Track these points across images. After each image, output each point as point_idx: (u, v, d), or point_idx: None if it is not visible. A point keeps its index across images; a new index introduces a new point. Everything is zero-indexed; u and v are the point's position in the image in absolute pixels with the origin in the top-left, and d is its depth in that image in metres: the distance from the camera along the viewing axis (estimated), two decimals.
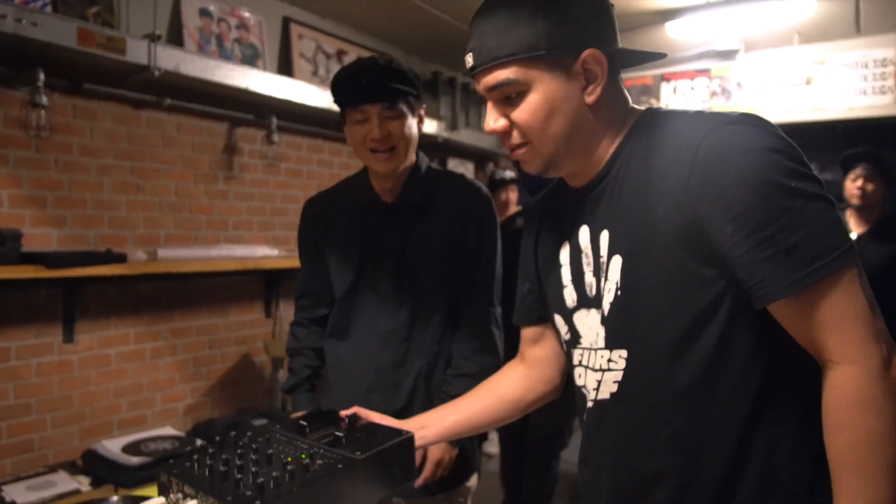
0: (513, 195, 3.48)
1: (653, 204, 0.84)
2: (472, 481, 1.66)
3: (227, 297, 3.15)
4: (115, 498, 1.28)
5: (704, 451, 0.85)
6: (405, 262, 1.56)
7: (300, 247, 1.74)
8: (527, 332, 1.16)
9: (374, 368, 1.56)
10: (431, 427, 1.15)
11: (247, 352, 3.25)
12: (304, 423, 1.09)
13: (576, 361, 0.98)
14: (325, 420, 1.15)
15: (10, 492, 2.05)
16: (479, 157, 5.11)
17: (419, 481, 1.51)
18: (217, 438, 1.05)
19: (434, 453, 1.49)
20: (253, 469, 0.93)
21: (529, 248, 1.12)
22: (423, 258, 1.57)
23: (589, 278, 0.95)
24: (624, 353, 0.89)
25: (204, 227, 3.05)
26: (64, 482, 2.14)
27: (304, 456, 0.98)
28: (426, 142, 4.15)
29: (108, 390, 2.68)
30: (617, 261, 0.89)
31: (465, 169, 4.99)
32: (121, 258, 2.45)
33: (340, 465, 0.95)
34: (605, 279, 0.91)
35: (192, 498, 0.91)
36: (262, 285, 3.30)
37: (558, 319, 1.01)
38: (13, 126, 2.36)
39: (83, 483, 2.17)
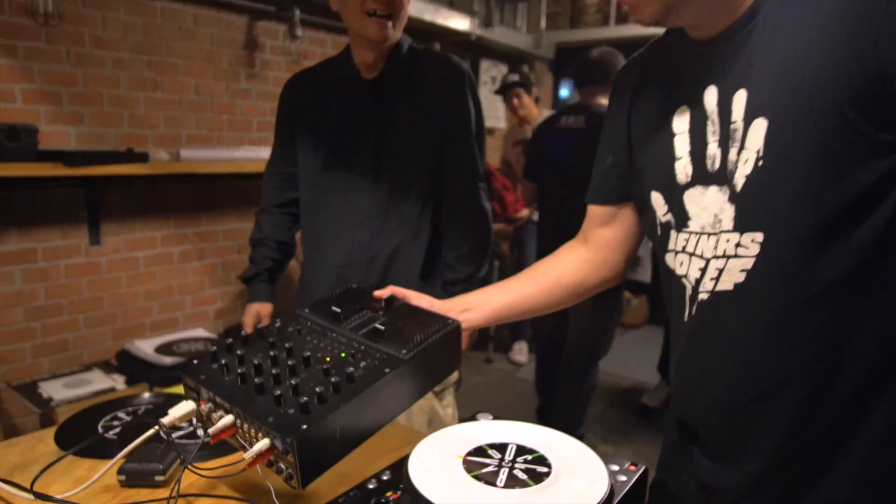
0: (525, 98, 3.56)
1: (816, 53, 0.67)
2: (455, 376, 1.66)
3: (253, 201, 3.05)
4: (146, 395, 1.23)
5: (844, 361, 0.71)
6: (384, 138, 1.52)
7: (276, 127, 1.69)
8: (597, 212, 1.01)
9: (349, 244, 1.54)
10: (477, 310, 1.03)
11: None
12: (338, 310, 0.98)
13: (675, 247, 0.84)
14: (357, 301, 1.03)
15: (47, 388, 2.07)
16: (514, 59, 4.81)
17: None
18: (243, 333, 0.94)
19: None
20: (291, 381, 0.80)
21: (620, 117, 0.94)
22: (402, 134, 1.52)
23: (713, 149, 0.78)
24: (759, 236, 0.74)
25: (226, 128, 2.91)
26: (99, 380, 2.14)
27: (343, 354, 0.88)
28: (457, 40, 3.87)
29: (137, 293, 2.66)
30: (759, 125, 0.72)
31: (498, 71, 4.71)
32: (143, 157, 2.35)
33: (387, 370, 0.84)
34: (741, 148, 0.74)
35: (226, 412, 0.81)
36: None
37: (656, 198, 0.86)
38: (19, 13, 2.21)
39: (118, 381, 2.18)
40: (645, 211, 0.91)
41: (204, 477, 0.86)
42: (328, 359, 0.88)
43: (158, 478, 0.92)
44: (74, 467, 0.98)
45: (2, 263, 2.26)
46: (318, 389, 0.78)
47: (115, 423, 1.12)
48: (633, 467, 0.82)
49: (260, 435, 0.77)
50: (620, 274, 1.04)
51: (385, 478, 0.80)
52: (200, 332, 2.57)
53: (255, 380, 0.81)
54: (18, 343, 2.32)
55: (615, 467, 0.82)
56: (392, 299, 1.02)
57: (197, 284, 2.87)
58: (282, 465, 0.77)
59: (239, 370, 0.84)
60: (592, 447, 0.86)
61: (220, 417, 0.82)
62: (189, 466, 0.79)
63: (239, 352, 0.88)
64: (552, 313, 1.09)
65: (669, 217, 0.85)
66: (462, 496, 0.73)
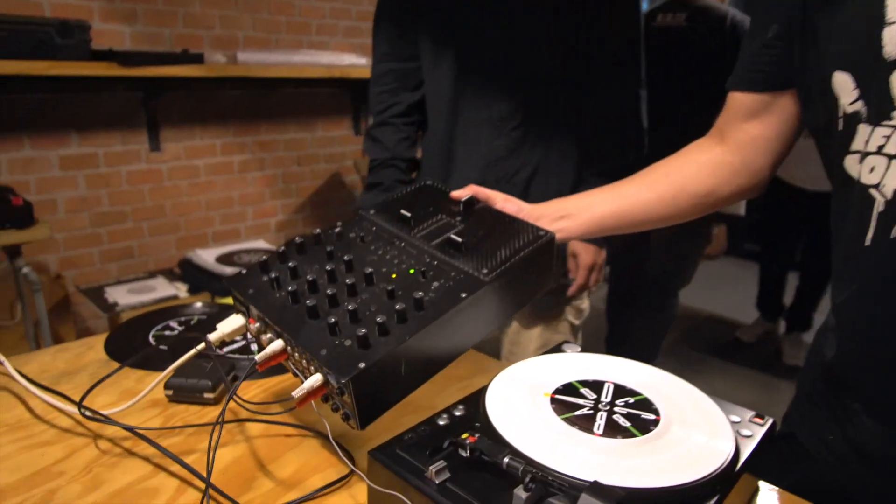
0: None
1: None
2: (586, 304, 1.46)
3: (313, 110, 2.92)
4: (199, 304, 1.16)
5: None
6: (520, 30, 1.24)
7: (380, 12, 1.40)
8: (743, 101, 0.80)
9: (483, 159, 1.30)
10: (576, 217, 0.85)
11: (336, 170, 3.09)
12: (408, 214, 0.85)
13: (865, 146, 0.63)
14: (431, 203, 0.88)
15: (113, 293, 2.07)
16: None
17: (572, 289, 1.37)
18: (297, 239, 0.81)
19: (585, 256, 1.32)
20: (349, 304, 0.67)
21: None
22: (542, 27, 1.24)
23: None
24: None
25: (284, 30, 2.75)
26: (162, 287, 2.14)
27: (412, 271, 0.76)
28: None
29: (199, 202, 2.62)
30: None
31: None
32: (198, 59, 2.23)
33: (464, 294, 0.70)
34: None
35: (276, 335, 0.70)
36: (349, 99, 3.04)
37: (842, 81, 0.65)
38: None
39: (181, 289, 2.16)
40: (816, 99, 0.69)
41: (249, 411, 0.77)
42: (394, 275, 0.75)
43: (207, 395, 0.84)
44: (121, 378, 0.91)
45: (66, 167, 2.23)
46: (378, 319, 0.65)
47: (167, 333, 1.05)
48: (758, 419, 0.68)
49: (312, 368, 0.66)
50: (764, 182, 0.84)
51: (458, 413, 0.68)
52: (261, 244, 2.53)
53: (308, 301, 0.68)
54: (87, 248, 2.34)
55: (735, 418, 0.67)
56: (472, 202, 0.86)
57: (257, 196, 2.81)
58: (338, 403, 0.67)
59: (290, 287, 0.71)
60: None
61: (270, 340, 0.71)
62: (235, 397, 0.70)
63: (291, 263, 0.75)
64: (633, 234, 0.91)
65: (860, 106, 0.64)
66: (554, 445, 0.60)
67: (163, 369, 0.86)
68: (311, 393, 0.66)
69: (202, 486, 0.68)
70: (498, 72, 1.26)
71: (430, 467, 0.57)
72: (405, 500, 0.59)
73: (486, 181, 1.24)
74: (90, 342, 1.02)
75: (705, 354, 3.10)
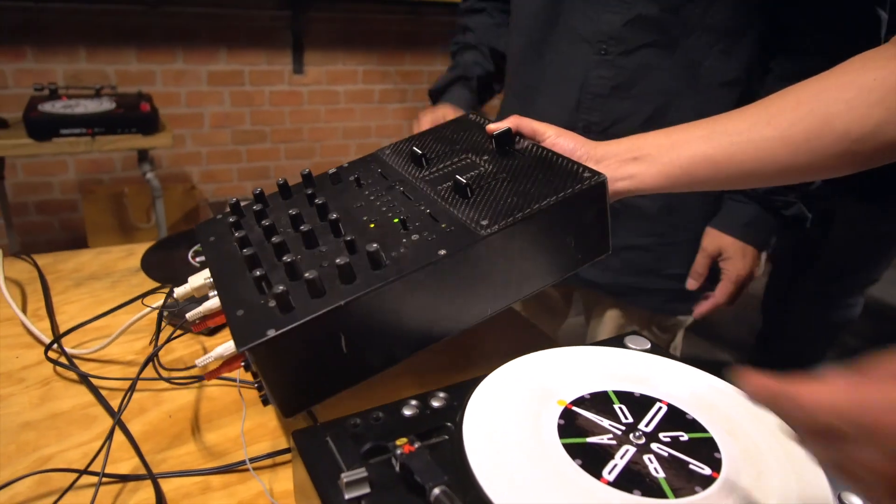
0: None
1: None
2: (689, 317, 1.05)
3: None
4: None
5: None
6: None
7: None
8: None
9: (572, 97, 0.93)
10: (654, 159, 0.59)
11: (482, 109, 2.90)
12: (420, 152, 0.66)
13: None
14: (461, 139, 0.68)
15: None
16: None
17: (701, 308, 0.96)
18: (280, 181, 0.67)
19: (738, 263, 0.92)
20: (294, 256, 0.52)
21: None
22: None
23: None
24: None
25: None
26: None
27: (396, 220, 0.57)
28: None
29: (336, 129, 2.60)
30: None
31: None
32: None
33: (442, 251, 0.51)
34: None
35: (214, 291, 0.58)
36: None
37: None
38: None
39: None
40: None
41: (163, 379, 0.64)
42: (372, 225, 0.57)
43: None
44: (139, 289, 0.84)
45: (213, 83, 2.30)
46: (307, 275, 0.48)
47: None
48: None
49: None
50: None
51: (436, 403, 0.50)
52: None
53: (245, 250, 0.54)
54: (226, 164, 2.43)
55: (856, 501, 0.41)
56: (507, 137, 0.64)
57: (395, 128, 2.73)
58: (261, 381, 0.51)
59: (239, 233, 0.58)
60: None
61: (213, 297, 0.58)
62: (154, 361, 0.58)
63: (256, 206, 0.62)
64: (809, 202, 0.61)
65: None
66: (532, 483, 0.40)
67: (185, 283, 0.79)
68: (227, 363, 0.52)
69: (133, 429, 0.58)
70: None
71: (344, 475, 0.41)
72: None
73: (572, 129, 0.95)
74: (133, 249, 0.98)
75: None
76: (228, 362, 0.52)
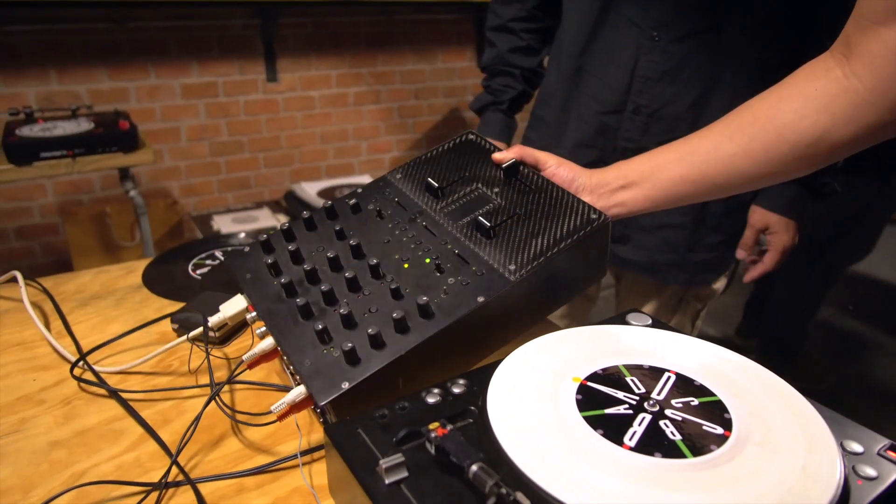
0: None
1: None
2: (720, 283, 1.15)
3: (433, 38, 2.76)
4: (243, 234, 1.10)
5: None
6: None
7: None
8: (873, 4, 0.55)
9: (622, 81, 0.98)
10: (639, 186, 0.67)
11: (456, 105, 2.93)
12: (435, 184, 0.69)
13: None
14: (468, 165, 0.72)
15: (219, 221, 2.13)
16: None
17: (752, 274, 1.09)
18: (305, 215, 0.69)
19: (783, 236, 1.05)
20: (343, 308, 0.57)
21: None
22: None
23: None
24: None
25: None
26: (265, 218, 2.16)
27: (428, 260, 0.62)
28: None
29: (314, 134, 2.61)
30: None
31: None
32: None
33: (481, 298, 0.56)
34: None
35: (266, 331, 0.61)
36: (472, 26, 2.83)
37: None
38: None
39: (282, 220, 2.17)
40: None
41: (229, 417, 0.66)
42: (406, 265, 0.62)
43: (211, 333, 0.75)
44: (145, 305, 0.86)
45: (187, 96, 2.29)
46: (370, 331, 0.54)
47: (208, 262, 0.99)
48: (894, 454, 0.45)
49: (298, 377, 0.55)
50: None
51: (456, 390, 0.52)
52: (366, 179, 2.46)
53: (298, 300, 0.58)
54: (206, 176, 2.42)
55: (856, 447, 0.45)
56: (515, 167, 0.69)
57: (372, 130, 2.74)
58: (327, 418, 0.55)
59: (284, 278, 0.62)
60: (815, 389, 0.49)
61: (263, 334, 0.61)
62: (216, 399, 0.61)
63: (292, 246, 0.65)
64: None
65: None
66: (558, 454, 0.43)
67: (189, 298, 0.81)
68: (295, 406, 0.55)
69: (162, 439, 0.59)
70: None
71: (382, 461, 0.43)
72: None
73: (622, 112, 1.00)
74: (132, 266, 0.98)
75: (874, 337, 2.61)
76: (297, 406, 0.55)
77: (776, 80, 0.86)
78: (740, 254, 1.09)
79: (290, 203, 2.28)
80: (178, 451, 0.56)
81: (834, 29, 0.85)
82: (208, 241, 1.07)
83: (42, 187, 2.16)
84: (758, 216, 1.06)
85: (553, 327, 0.79)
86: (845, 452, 0.44)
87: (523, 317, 0.62)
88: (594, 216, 0.63)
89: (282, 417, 0.55)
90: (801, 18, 0.92)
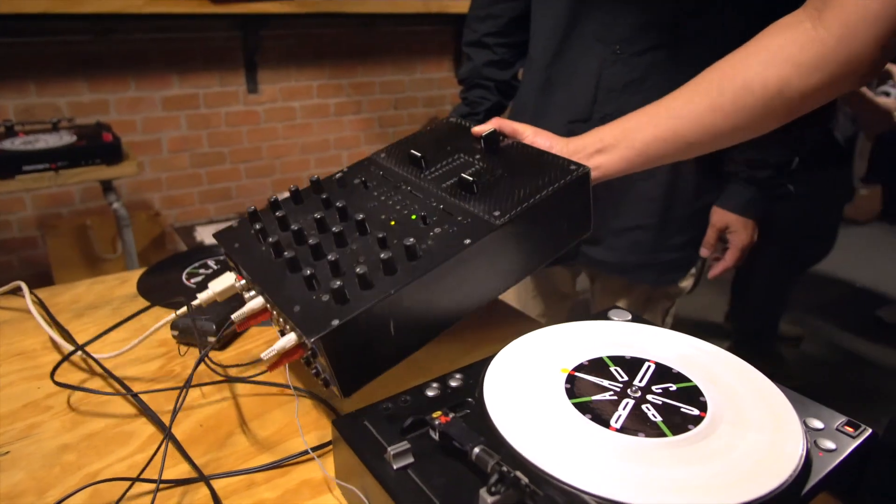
0: None
1: None
2: (687, 282, 1.21)
3: (412, 49, 2.81)
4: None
5: None
6: None
7: None
8: None
9: (588, 92, 1.04)
10: (615, 147, 0.69)
11: (435, 114, 2.98)
12: (418, 154, 0.72)
13: None
14: (450, 141, 0.76)
15: (202, 232, 2.14)
16: None
17: (715, 271, 1.15)
18: (293, 188, 0.72)
19: (742, 234, 1.11)
20: (332, 255, 0.57)
21: None
22: None
23: None
24: None
25: None
26: None
27: (413, 217, 0.64)
28: None
29: (295, 145, 2.63)
30: None
31: None
32: None
33: (468, 240, 0.58)
34: None
35: (258, 292, 0.63)
36: (451, 37, 2.88)
37: None
38: None
39: None
40: None
41: (219, 374, 0.69)
42: (392, 223, 0.64)
43: (211, 338, 0.78)
44: (142, 314, 0.88)
45: (168, 108, 2.30)
46: (358, 270, 0.55)
47: (201, 270, 1.01)
48: (850, 429, 0.50)
49: (288, 327, 0.57)
50: (867, 69, 0.59)
51: (453, 383, 0.56)
52: None
53: (286, 253, 0.60)
54: (187, 188, 2.43)
55: (817, 424, 0.50)
56: (494, 137, 0.72)
57: (353, 139, 2.78)
58: (318, 367, 0.58)
59: (272, 238, 0.63)
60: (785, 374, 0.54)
61: (252, 298, 0.64)
62: (205, 361, 0.63)
63: (279, 213, 0.67)
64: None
65: None
66: (551, 437, 0.47)
67: (184, 305, 0.83)
68: (286, 355, 0.58)
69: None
70: None
71: (390, 448, 0.47)
72: (356, 490, 0.49)
73: (589, 121, 1.04)
74: (126, 276, 1.00)
75: (835, 331, 2.71)
76: (288, 354, 0.57)
77: None
78: (703, 252, 1.15)
79: None
80: (171, 424, 0.59)
81: None
82: (201, 250, 1.09)
83: (20, 200, 2.15)
84: (718, 216, 1.12)
85: (536, 324, 0.83)
86: (808, 429, 0.49)
87: (511, 265, 0.63)
88: (573, 167, 0.65)
89: (273, 367, 0.57)
90: (757, 31, 0.98)
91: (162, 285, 0.97)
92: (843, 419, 0.50)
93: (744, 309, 2.42)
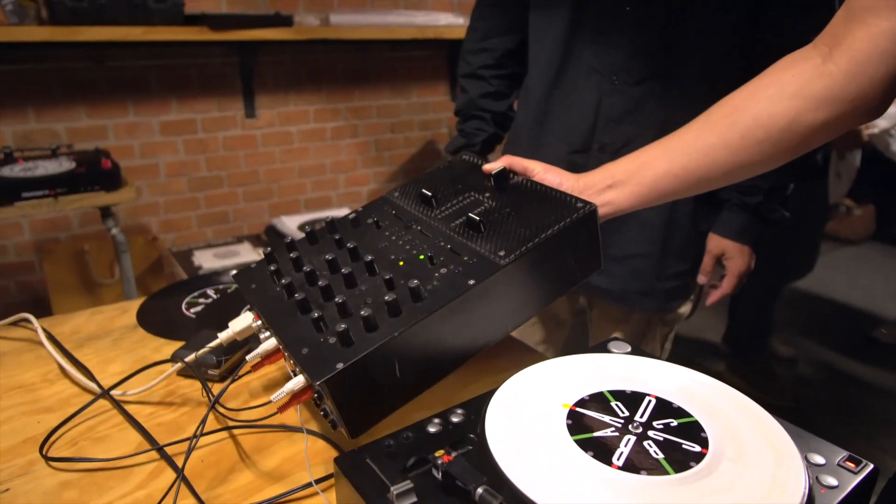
0: None
1: None
2: (686, 308, 1.22)
3: (408, 73, 2.84)
4: (234, 271, 1.11)
5: None
6: None
7: None
8: None
9: (586, 121, 1.05)
10: (626, 183, 0.69)
11: (431, 137, 3.00)
12: (429, 193, 0.74)
13: None
14: (461, 179, 0.77)
15: (200, 256, 2.14)
16: None
17: (712, 298, 1.16)
18: (307, 229, 0.75)
19: (738, 261, 1.12)
20: (339, 297, 0.59)
21: None
22: None
23: None
24: None
25: None
26: (246, 253, 2.18)
27: (421, 257, 0.65)
28: None
29: (292, 169, 2.64)
30: None
31: None
32: (287, 21, 2.21)
33: (472, 281, 0.59)
34: None
35: (271, 334, 0.64)
36: (445, 61, 2.92)
37: None
38: None
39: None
40: None
41: (230, 420, 0.70)
42: (401, 263, 0.65)
43: (212, 371, 0.78)
44: (142, 345, 0.88)
45: (166, 133, 2.32)
46: (363, 313, 0.56)
47: (201, 301, 1.01)
48: (851, 464, 0.50)
49: (298, 368, 0.58)
50: (875, 103, 0.59)
51: (455, 419, 0.56)
52: (346, 211, 2.49)
53: (297, 294, 0.62)
54: (185, 212, 2.43)
55: (819, 459, 0.50)
56: (504, 175, 0.74)
57: (350, 163, 2.79)
58: (327, 408, 0.58)
59: (285, 279, 0.65)
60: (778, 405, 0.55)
61: (266, 339, 0.65)
62: (216, 406, 0.64)
63: (295, 254, 0.69)
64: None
65: None
66: (554, 475, 0.47)
67: (183, 338, 0.84)
68: (295, 396, 0.58)
69: (174, 474, 0.62)
70: (619, 9, 0.98)
71: (393, 488, 0.47)
72: None
73: (589, 151, 1.07)
74: (126, 306, 1.00)
75: (828, 353, 2.71)
76: (297, 396, 0.58)
77: None
78: (701, 279, 1.16)
79: (271, 237, 2.30)
80: (183, 466, 0.59)
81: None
82: (200, 279, 1.09)
83: (18, 225, 2.15)
84: (714, 243, 1.13)
85: (538, 356, 0.83)
86: (809, 464, 0.49)
87: (519, 304, 0.64)
88: (580, 205, 0.66)
89: (282, 408, 0.57)
90: (748, 62, 1.00)
91: (162, 315, 0.97)
92: (845, 454, 0.51)
93: (738, 329, 2.43)
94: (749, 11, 0.97)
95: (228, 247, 2.24)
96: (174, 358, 0.80)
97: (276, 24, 2.17)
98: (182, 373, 0.80)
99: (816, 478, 0.48)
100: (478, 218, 0.66)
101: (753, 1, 0.96)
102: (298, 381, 0.57)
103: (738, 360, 2.40)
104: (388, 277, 0.60)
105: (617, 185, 0.70)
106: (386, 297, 0.57)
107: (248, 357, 0.63)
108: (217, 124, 2.40)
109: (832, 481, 0.48)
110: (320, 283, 0.62)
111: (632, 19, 0.98)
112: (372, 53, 2.68)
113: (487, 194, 0.73)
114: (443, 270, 0.62)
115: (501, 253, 0.62)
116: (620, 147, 1.04)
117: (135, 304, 1.00)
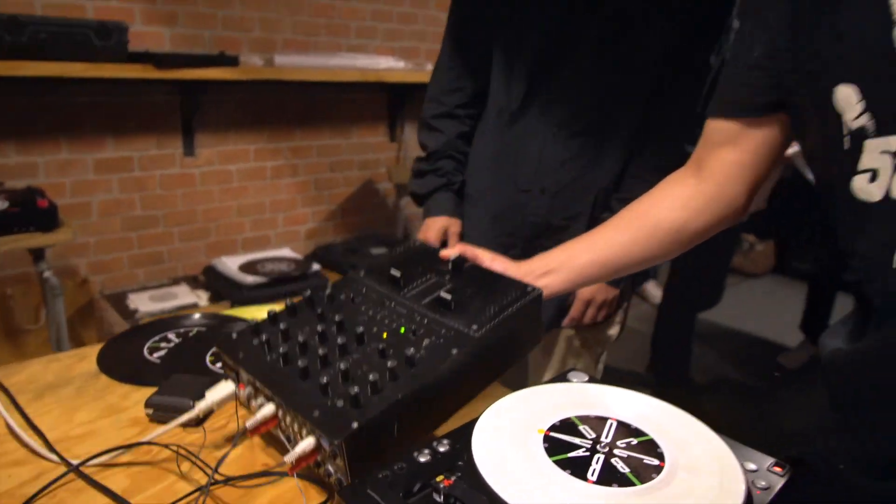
0: None
1: None
2: (614, 330, 1.36)
3: (349, 115, 2.90)
4: (197, 315, 1.13)
5: None
6: (612, 29, 1.10)
7: (452, 15, 1.29)
8: (722, 128, 0.75)
9: (536, 160, 1.18)
10: (559, 271, 0.85)
11: (369, 177, 3.06)
12: (397, 274, 0.82)
13: (874, 163, 0.56)
14: (421, 262, 0.87)
15: (135, 300, 2.08)
16: None
17: (566, 321, 1.28)
18: (288, 303, 0.80)
19: (584, 292, 1.24)
20: (341, 364, 0.67)
21: None
22: (636, 30, 1.10)
23: None
24: None
25: (324, 33, 2.74)
26: (184, 295, 2.14)
27: (402, 330, 0.74)
28: None
29: (230, 208, 2.63)
30: None
31: None
32: (233, 61, 2.23)
33: (454, 350, 0.69)
34: None
35: (267, 399, 0.69)
36: (386, 104, 3.01)
37: (846, 95, 0.56)
38: None
39: (202, 297, 2.16)
40: (813, 119, 0.63)
41: (235, 487, 0.72)
42: (385, 335, 0.73)
43: (192, 415, 0.79)
44: (106, 392, 0.88)
45: (100, 171, 2.27)
46: (371, 377, 0.63)
47: (163, 345, 1.02)
48: (778, 468, 0.59)
49: (304, 431, 0.64)
50: (740, 210, 0.80)
51: (441, 449, 0.62)
52: (287, 252, 2.50)
53: (299, 362, 0.68)
54: (117, 252, 2.37)
55: (752, 465, 0.59)
56: (460, 261, 0.85)
57: (289, 202, 2.81)
58: (330, 468, 0.64)
59: (281, 349, 0.71)
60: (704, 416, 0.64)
61: (261, 405, 0.70)
62: (217, 474, 0.67)
63: (282, 325, 0.75)
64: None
65: (866, 120, 0.57)
66: (541, 492, 0.53)
67: (153, 382, 0.84)
68: (304, 458, 0.63)
69: None
70: (569, 71, 1.14)
71: None
72: None
73: (531, 191, 1.20)
74: (84, 353, 0.99)
75: (743, 378, 2.93)
76: (305, 458, 0.62)
77: (641, 160, 1.18)
78: (565, 322, 1.30)
79: (210, 278, 2.27)
80: None
81: (673, 134, 1.18)
82: (160, 323, 1.09)
83: None
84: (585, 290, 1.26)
85: (502, 389, 0.90)
86: (745, 471, 0.58)
87: (487, 370, 0.75)
88: (529, 289, 0.78)
89: (293, 470, 0.62)
90: (659, 126, 1.19)
91: (125, 361, 0.96)
92: (772, 460, 0.60)
93: (660, 359, 2.62)
94: (649, 96, 1.16)
95: (165, 289, 2.19)
96: (148, 404, 0.81)
97: (222, 64, 2.19)
98: (154, 418, 0.81)
99: (752, 481, 0.56)
100: (448, 297, 0.75)
101: (651, 91, 1.16)
102: (308, 442, 0.62)
103: (661, 388, 2.58)
104: (380, 347, 0.68)
105: (551, 272, 0.84)
106: (388, 364, 0.65)
107: (248, 424, 0.68)
108: (155, 163, 2.37)
109: (764, 483, 0.56)
110: (320, 351, 0.69)
111: (574, 88, 1.14)
112: (315, 94, 2.73)
113: (447, 276, 0.83)
114: (426, 342, 0.71)
115: (474, 327, 0.71)
116: (557, 191, 1.18)
117: (93, 351, 0.99)
